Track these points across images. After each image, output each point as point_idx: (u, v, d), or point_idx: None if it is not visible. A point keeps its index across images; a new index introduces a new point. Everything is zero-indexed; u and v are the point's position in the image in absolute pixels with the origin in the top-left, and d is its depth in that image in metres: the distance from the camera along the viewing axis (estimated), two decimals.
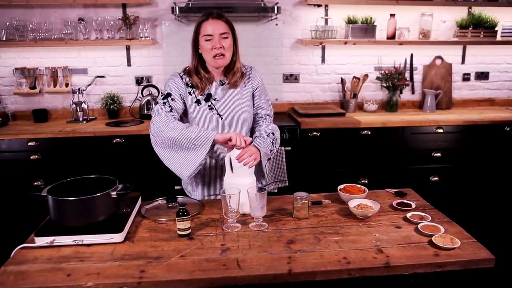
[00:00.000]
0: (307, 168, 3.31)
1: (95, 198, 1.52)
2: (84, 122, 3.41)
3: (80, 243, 1.50)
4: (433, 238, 1.50)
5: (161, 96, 1.93)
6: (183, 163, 1.79)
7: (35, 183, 3.09)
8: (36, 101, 3.59)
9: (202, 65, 1.96)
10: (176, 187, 3.14)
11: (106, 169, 3.11)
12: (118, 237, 1.52)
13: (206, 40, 1.87)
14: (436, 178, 3.42)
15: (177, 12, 3.20)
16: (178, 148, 1.80)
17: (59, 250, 1.49)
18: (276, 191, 3.35)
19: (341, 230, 1.62)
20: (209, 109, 1.95)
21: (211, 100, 1.96)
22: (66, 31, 3.39)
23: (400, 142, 3.35)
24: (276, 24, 3.65)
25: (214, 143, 1.77)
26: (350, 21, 3.57)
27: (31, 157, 3.06)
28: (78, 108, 3.43)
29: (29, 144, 3.05)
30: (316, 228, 1.64)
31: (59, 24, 3.43)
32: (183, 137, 1.76)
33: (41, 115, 3.46)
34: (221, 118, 1.96)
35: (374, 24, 3.56)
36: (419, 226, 1.60)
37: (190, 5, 3.19)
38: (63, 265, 1.39)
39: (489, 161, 3.45)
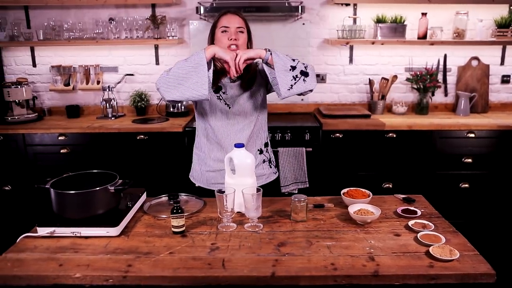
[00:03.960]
0: (329, 170, 3.25)
1: (94, 192, 1.58)
2: (113, 118, 3.54)
3: (78, 235, 1.56)
4: (430, 248, 1.43)
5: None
6: (194, 86, 1.74)
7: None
8: (70, 98, 3.77)
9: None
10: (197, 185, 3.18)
11: (129, 165, 3.21)
12: (113, 231, 1.56)
13: (222, 32, 1.91)
14: (467, 185, 3.24)
15: (202, 12, 3.25)
16: (183, 80, 1.74)
17: (58, 240, 1.55)
18: (296, 192, 3.31)
19: (336, 235, 1.57)
20: (217, 98, 1.98)
21: (220, 92, 1.99)
22: (98, 31, 3.52)
23: (428, 146, 3.21)
24: (303, 24, 3.61)
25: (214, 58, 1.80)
26: (379, 21, 3.46)
27: (61, 151, 3.22)
28: (108, 105, 3.55)
29: (59, 138, 3.21)
30: (311, 231, 1.61)
31: (91, 24, 3.57)
32: (180, 65, 1.75)
33: (73, 111, 3.63)
34: (229, 108, 1.99)
35: (404, 23, 3.44)
36: (418, 235, 1.53)
37: (214, 5, 3.23)
38: (58, 255, 1.45)
39: None
